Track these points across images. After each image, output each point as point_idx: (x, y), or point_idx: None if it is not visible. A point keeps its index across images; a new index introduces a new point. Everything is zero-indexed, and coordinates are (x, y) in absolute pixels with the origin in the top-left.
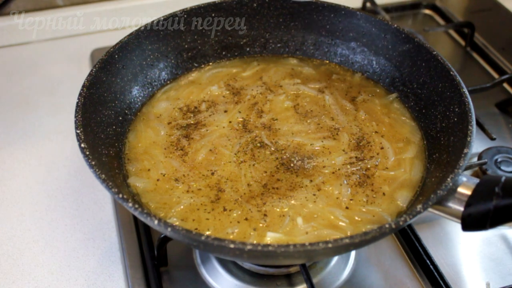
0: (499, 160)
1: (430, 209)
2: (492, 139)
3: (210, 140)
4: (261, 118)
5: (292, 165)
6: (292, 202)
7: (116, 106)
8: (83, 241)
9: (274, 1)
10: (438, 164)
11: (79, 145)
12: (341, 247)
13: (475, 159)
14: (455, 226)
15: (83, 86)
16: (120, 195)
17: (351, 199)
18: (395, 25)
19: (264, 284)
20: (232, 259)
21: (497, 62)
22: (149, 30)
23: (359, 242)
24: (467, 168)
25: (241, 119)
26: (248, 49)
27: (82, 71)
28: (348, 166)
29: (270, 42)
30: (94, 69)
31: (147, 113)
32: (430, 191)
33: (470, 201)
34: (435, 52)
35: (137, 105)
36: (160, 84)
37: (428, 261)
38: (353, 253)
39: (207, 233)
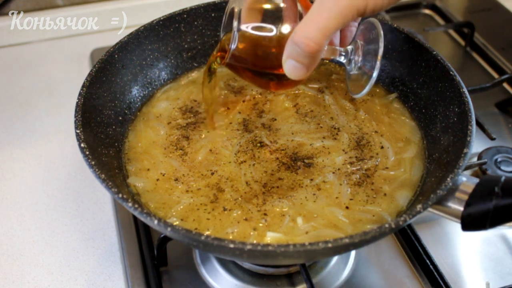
0: (499, 160)
1: (429, 209)
2: (492, 139)
3: (210, 140)
4: (261, 118)
5: (292, 164)
6: (292, 201)
7: (116, 106)
8: (83, 241)
9: None
10: (438, 164)
11: (79, 145)
12: (341, 247)
13: (475, 159)
14: (455, 226)
15: (83, 86)
16: (120, 195)
17: (351, 199)
18: (395, 25)
19: (264, 284)
20: (232, 259)
21: (497, 62)
22: (149, 30)
23: (359, 242)
24: (467, 168)
25: (241, 119)
26: None
27: (82, 71)
28: (348, 166)
29: None
30: (94, 69)
31: (147, 113)
32: (430, 191)
33: (469, 201)
34: (435, 52)
35: (137, 105)
36: (160, 84)
37: (428, 261)
38: (353, 253)
39: (207, 233)
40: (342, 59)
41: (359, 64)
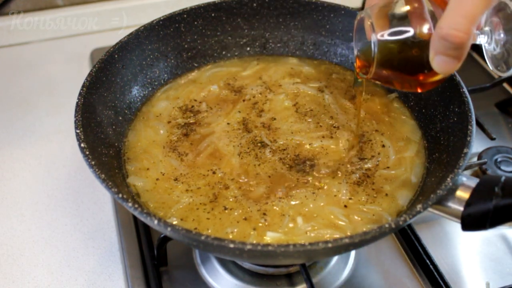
0: (499, 160)
1: (429, 209)
2: (492, 139)
3: (209, 139)
4: (261, 117)
5: (292, 164)
6: (292, 201)
7: (116, 106)
8: (83, 241)
9: (274, 1)
10: (438, 164)
11: (79, 145)
12: (341, 247)
13: (475, 159)
14: (455, 226)
15: (83, 86)
16: (120, 195)
17: (350, 198)
18: None
19: (264, 284)
20: (232, 259)
21: None
22: (149, 30)
23: (359, 242)
24: (467, 168)
25: (241, 119)
26: (248, 48)
27: (82, 71)
28: (348, 165)
29: (270, 42)
30: (94, 69)
31: (147, 112)
32: (430, 191)
33: (469, 201)
34: None
35: (137, 105)
36: (160, 83)
37: (428, 261)
38: (353, 253)
39: (207, 232)
40: (483, 41)
41: (502, 42)
